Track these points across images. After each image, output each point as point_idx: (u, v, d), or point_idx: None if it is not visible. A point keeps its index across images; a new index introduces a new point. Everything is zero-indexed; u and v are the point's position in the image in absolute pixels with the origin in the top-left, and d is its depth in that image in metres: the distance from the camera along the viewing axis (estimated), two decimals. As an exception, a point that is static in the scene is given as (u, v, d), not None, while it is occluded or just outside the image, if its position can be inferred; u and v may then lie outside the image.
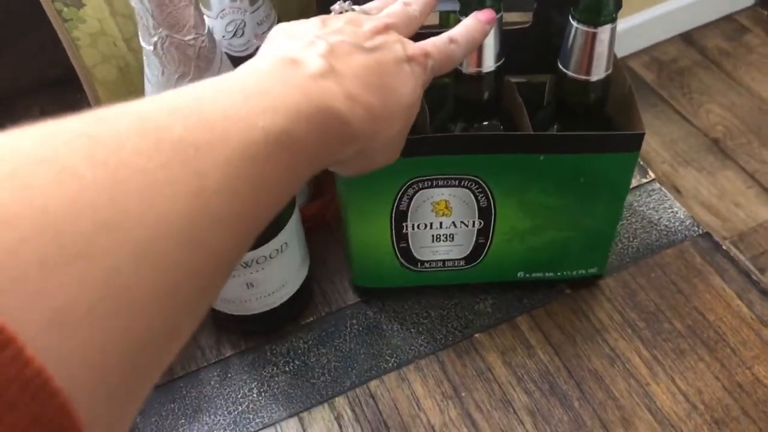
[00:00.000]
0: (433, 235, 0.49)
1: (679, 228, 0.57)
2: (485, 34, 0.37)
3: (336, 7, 0.34)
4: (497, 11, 0.39)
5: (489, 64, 0.43)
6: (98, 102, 0.55)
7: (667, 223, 0.57)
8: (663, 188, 0.59)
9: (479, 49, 0.42)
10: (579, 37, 0.42)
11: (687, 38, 1.72)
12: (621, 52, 1.14)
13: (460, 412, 0.48)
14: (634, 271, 0.55)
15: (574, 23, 0.41)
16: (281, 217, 0.46)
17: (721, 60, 1.66)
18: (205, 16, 0.45)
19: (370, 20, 0.33)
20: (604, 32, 0.41)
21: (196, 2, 0.35)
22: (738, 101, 1.57)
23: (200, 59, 0.36)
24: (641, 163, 0.60)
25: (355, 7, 0.34)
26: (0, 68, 0.65)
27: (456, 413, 0.48)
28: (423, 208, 0.48)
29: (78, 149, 0.19)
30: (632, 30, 1.64)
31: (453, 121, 0.47)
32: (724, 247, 0.55)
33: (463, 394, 0.49)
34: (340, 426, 0.48)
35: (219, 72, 0.37)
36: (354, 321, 0.53)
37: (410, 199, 0.47)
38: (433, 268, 0.52)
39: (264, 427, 0.48)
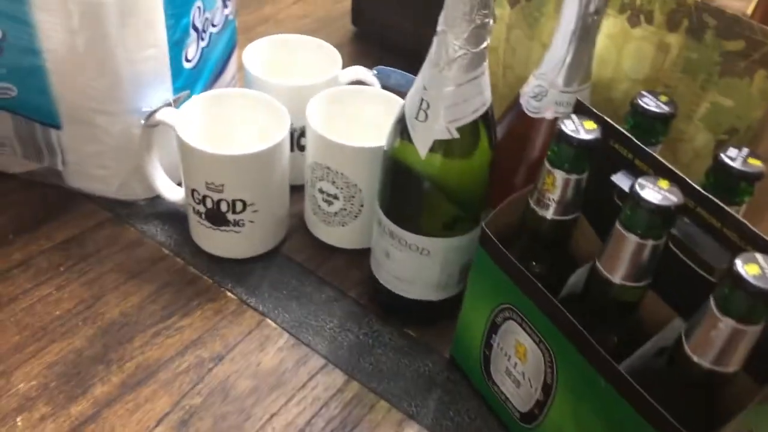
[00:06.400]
0: (506, 368, 0.49)
1: None
2: None
3: None
4: None
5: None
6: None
7: None
8: None
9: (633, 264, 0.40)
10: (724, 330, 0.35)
11: None
12: None
13: None
14: None
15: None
16: (431, 226, 0.52)
17: None
18: (539, 71, 0.52)
19: None
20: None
21: (476, 29, 0.43)
22: None
23: (452, 63, 0.44)
24: None
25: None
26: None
27: None
28: (509, 339, 0.48)
29: None
30: None
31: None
32: None
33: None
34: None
35: (460, 86, 0.45)
36: (420, 366, 0.56)
37: (503, 321, 0.48)
38: (499, 395, 0.51)
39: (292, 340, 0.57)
